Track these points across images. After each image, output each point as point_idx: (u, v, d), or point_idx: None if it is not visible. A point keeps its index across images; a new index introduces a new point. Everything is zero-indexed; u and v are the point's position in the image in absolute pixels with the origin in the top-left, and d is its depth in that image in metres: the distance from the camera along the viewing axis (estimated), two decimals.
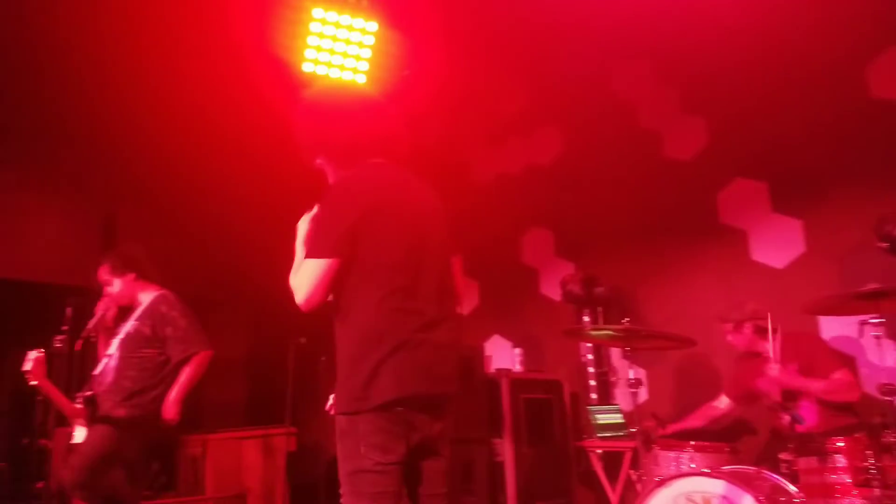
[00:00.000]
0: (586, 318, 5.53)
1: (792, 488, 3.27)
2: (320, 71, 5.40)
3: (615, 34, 5.64)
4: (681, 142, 5.42)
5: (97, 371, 4.05)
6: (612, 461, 4.82)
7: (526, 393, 5.12)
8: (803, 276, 4.66)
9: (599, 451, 4.86)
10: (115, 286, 4.16)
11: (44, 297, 5.88)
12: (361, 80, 5.52)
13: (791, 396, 3.85)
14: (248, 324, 7.38)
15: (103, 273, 4.19)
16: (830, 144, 4.65)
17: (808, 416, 3.76)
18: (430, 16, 5.58)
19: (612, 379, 5.53)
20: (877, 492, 3.00)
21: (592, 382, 5.52)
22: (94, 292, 4.36)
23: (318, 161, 2.65)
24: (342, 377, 2.34)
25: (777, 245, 4.83)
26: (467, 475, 4.86)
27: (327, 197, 2.51)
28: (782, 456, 3.35)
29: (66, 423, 4.29)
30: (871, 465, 3.03)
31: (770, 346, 3.76)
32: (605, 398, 5.47)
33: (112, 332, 4.13)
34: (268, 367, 6.74)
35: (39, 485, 4.40)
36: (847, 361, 4.21)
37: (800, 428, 3.43)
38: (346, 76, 5.48)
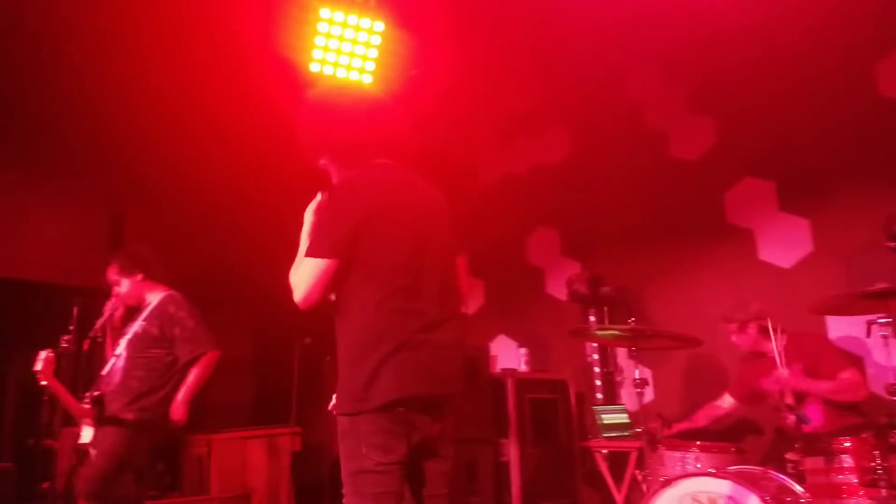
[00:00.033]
0: (592, 318, 5.53)
1: (798, 488, 3.25)
2: (327, 71, 5.40)
3: (622, 34, 5.63)
4: (688, 141, 5.41)
5: (105, 371, 4.05)
6: (618, 461, 4.81)
7: (531, 393, 5.11)
8: (811, 276, 4.63)
9: (605, 451, 4.85)
10: (124, 286, 4.17)
11: (50, 298, 5.91)
12: (368, 80, 5.51)
13: (797, 397, 3.83)
14: (253, 324, 7.39)
15: (112, 273, 4.20)
16: (838, 143, 4.63)
17: (814, 416, 3.74)
18: (437, 16, 5.57)
19: (618, 379, 5.52)
20: (884, 492, 2.98)
21: (598, 382, 5.51)
22: (101, 292, 4.36)
23: (322, 161, 2.65)
24: (343, 378, 2.34)
25: (784, 244, 4.81)
26: (472, 475, 4.86)
27: (331, 196, 2.51)
28: (788, 456, 3.34)
29: (72, 423, 4.29)
30: (878, 465, 3.01)
31: (774, 347, 3.73)
32: (611, 398, 5.47)
33: (120, 333, 4.13)
34: (273, 367, 6.75)
35: (45, 485, 4.41)
36: (854, 361, 4.19)
37: (806, 428, 3.42)
38: (353, 76, 5.48)
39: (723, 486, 3.25)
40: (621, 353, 5.51)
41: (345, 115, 2.61)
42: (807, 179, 4.76)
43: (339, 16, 5.27)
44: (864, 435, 3.19)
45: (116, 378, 3.95)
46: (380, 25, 5.39)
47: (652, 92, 5.70)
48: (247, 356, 7.34)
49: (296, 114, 2.67)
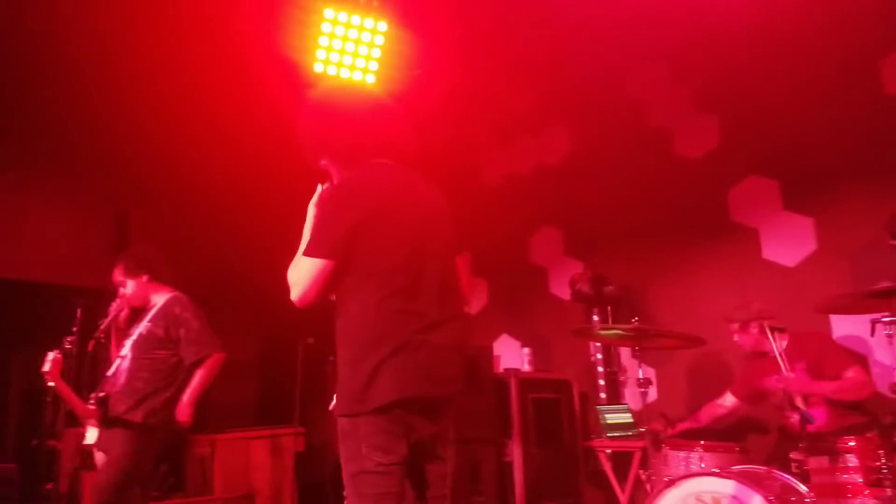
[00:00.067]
0: (595, 318, 5.52)
1: (803, 488, 3.24)
2: (330, 71, 5.40)
3: (625, 33, 5.61)
4: (692, 140, 5.40)
5: (110, 372, 4.05)
6: (622, 461, 4.80)
7: (535, 393, 5.11)
8: (815, 275, 4.63)
9: (608, 450, 4.84)
10: (129, 287, 4.16)
11: (53, 298, 5.91)
12: (371, 80, 5.51)
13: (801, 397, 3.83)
14: (256, 324, 7.38)
15: (117, 274, 4.19)
16: (842, 142, 4.62)
17: (818, 416, 3.73)
18: (440, 16, 5.57)
19: (622, 378, 5.51)
20: (888, 492, 2.97)
21: (601, 382, 5.50)
22: (104, 293, 4.36)
23: (323, 162, 2.64)
24: (342, 379, 2.34)
25: (788, 243, 4.80)
26: (476, 475, 4.85)
27: (331, 196, 2.51)
28: (793, 455, 3.33)
29: (75, 424, 4.29)
30: (883, 464, 3.00)
31: (774, 349, 3.73)
32: (615, 398, 5.46)
33: (124, 334, 4.13)
34: (276, 367, 6.75)
35: (49, 486, 4.40)
36: (859, 359, 4.18)
37: (810, 427, 3.41)
38: (356, 76, 5.48)
39: (727, 486, 3.25)
40: (625, 353, 5.50)
41: (345, 115, 2.60)
42: (811, 178, 4.75)
43: (342, 16, 5.27)
44: (868, 434, 3.18)
45: (122, 379, 3.95)
46: (383, 26, 5.39)
47: (655, 90, 5.69)
48: (250, 356, 7.34)
49: (296, 114, 2.67)
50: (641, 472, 4.11)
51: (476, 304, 6.57)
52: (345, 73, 5.45)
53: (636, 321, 4.08)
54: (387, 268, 2.35)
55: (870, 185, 4.46)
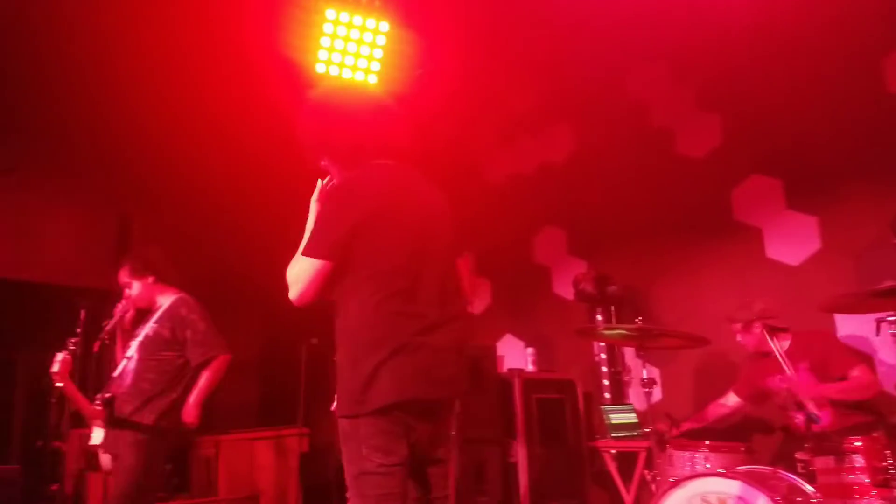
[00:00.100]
0: (599, 318, 5.51)
1: (809, 488, 3.23)
2: (332, 72, 5.40)
3: (628, 32, 5.61)
4: (695, 139, 5.39)
5: (116, 373, 4.05)
6: (626, 461, 4.79)
7: (538, 393, 5.10)
8: (819, 274, 4.61)
9: (613, 451, 4.83)
10: (135, 289, 4.17)
11: (57, 299, 5.92)
12: (373, 80, 5.51)
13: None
14: (260, 324, 7.39)
15: (123, 275, 4.19)
16: (846, 140, 4.61)
17: (822, 415, 3.71)
18: (442, 16, 5.57)
19: (626, 378, 5.50)
20: None
21: (606, 382, 5.48)
22: (108, 294, 4.36)
23: (323, 163, 2.64)
24: (341, 379, 2.34)
25: (792, 242, 4.79)
26: (480, 475, 4.85)
27: (331, 196, 2.51)
28: (799, 455, 3.31)
29: (80, 425, 4.29)
30: (890, 464, 2.99)
31: (776, 350, 3.72)
32: (619, 398, 5.44)
33: (130, 335, 4.13)
34: (280, 367, 6.76)
35: (54, 487, 4.41)
36: (864, 358, 4.17)
37: (815, 427, 3.40)
38: (359, 77, 5.48)
39: (732, 487, 3.23)
40: (629, 353, 5.49)
41: (345, 115, 2.60)
42: (814, 176, 4.74)
43: (344, 16, 5.26)
44: (875, 434, 3.17)
45: (128, 380, 3.95)
46: (385, 26, 5.39)
47: (658, 90, 5.68)
48: (254, 357, 7.34)
49: (296, 114, 2.67)
50: (646, 472, 4.10)
51: (479, 304, 6.57)
52: (346, 74, 5.45)
53: (640, 321, 4.06)
54: (386, 269, 2.35)
55: (873, 183, 4.44)
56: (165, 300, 4.14)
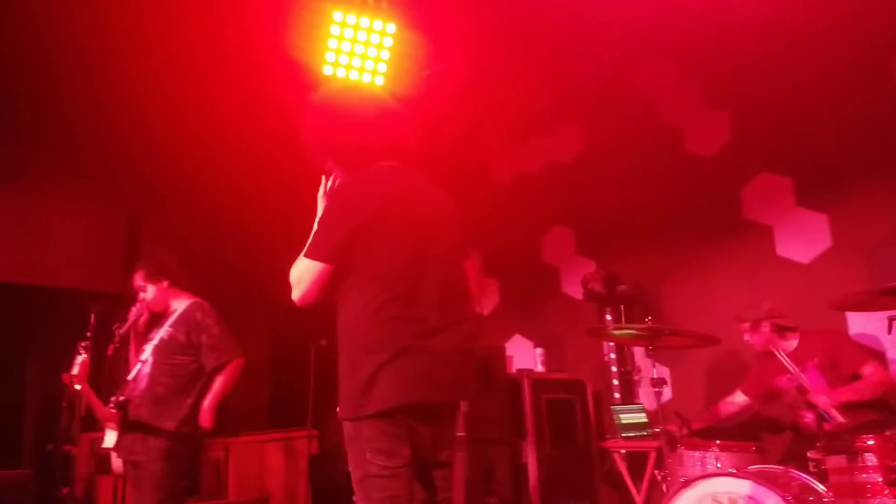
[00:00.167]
0: (608, 317, 5.49)
1: (821, 488, 3.20)
2: (340, 74, 5.40)
3: (637, 31, 5.60)
4: (704, 137, 5.36)
5: (130, 376, 4.06)
6: (637, 461, 4.77)
7: (548, 393, 5.08)
8: (830, 271, 4.58)
9: (623, 451, 4.82)
10: (149, 292, 4.17)
11: (68, 303, 5.94)
12: (381, 82, 5.51)
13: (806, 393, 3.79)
14: (268, 326, 7.40)
15: (138, 279, 4.21)
16: (855, 137, 4.58)
17: (834, 416, 3.69)
18: (448, 16, 5.57)
19: (636, 378, 5.48)
20: None
21: (615, 382, 5.47)
22: (119, 298, 4.38)
23: (328, 165, 2.64)
24: (342, 381, 2.35)
25: (802, 240, 4.76)
26: (489, 476, 4.84)
27: (334, 198, 2.51)
28: (811, 454, 3.28)
29: (91, 428, 4.30)
30: None
31: (783, 358, 3.71)
32: (629, 397, 5.42)
33: (144, 338, 4.14)
34: (289, 369, 6.75)
35: (64, 490, 4.43)
36: (875, 355, 4.14)
37: (826, 426, 3.37)
38: (366, 78, 5.48)
39: (743, 487, 3.21)
40: (638, 352, 5.47)
41: (350, 117, 2.59)
42: (824, 173, 4.71)
43: (351, 18, 5.27)
44: (887, 433, 3.13)
45: (142, 384, 3.96)
46: (392, 27, 5.39)
47: (666, 88, 5.66)
48: (263, 359, 7.35)
49: (300, 116, 2.66)
50: (657, 472, 4.08)
51: (488, 304, 6.56)
52: (353, 76, 5.45)
53: (649, 320, 4.04)
54: (387, 273, 2.35)
55: (883, 180, 4.41)
56: (180, 304, 4.15)
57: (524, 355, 5.99)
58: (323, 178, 2.65)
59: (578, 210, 6.11)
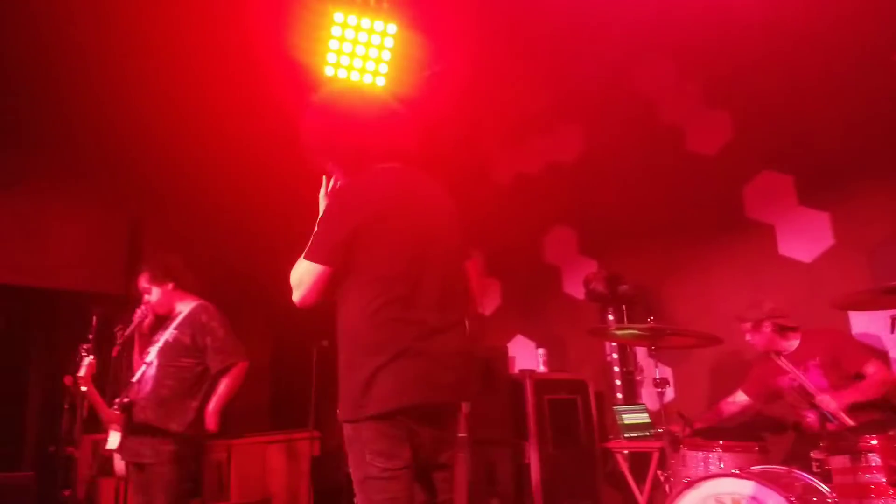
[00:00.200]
0: (610, 317, 5.48)
1: (824, 488, 3.19)
2: (341, 75, 5.40)
3: (637, 30, 5.59)
4: (705, 136, 5.36)
5: (135, 378, 4.06)
6: (640, 462, 4.76)
7: (550, 393, 5.07)
8: (832, 270, 4.58)
9: (626, 451, 4.81)
10: (154, 295, 4.17)
11: (69, 305, 5.94)
12: (382, 83, 5.50)
13: (809, 395, 3.78)
14: (270, 327, 7.39)
15: (142, 281, 4.20)
16: (857, 135, 4.57)
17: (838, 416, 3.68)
18: (449, 17, 5.56)
19: (638, 378, 5.47)
20: None
21: (618, 382, 5.46)
22: (121, 300, 4.37)
23: (328, 166, 2.63)
24: (343, 384, 2.35)
25: (804, 239, 4.75)
26: (492, 477, 4.83)
27: (334, 199, 2.51)
28: (814, 455, 3.28)
29: (92, 430, 4.29)
30: None
31: (780, 362, 3.70)
32: (631, 398, 5.42)
33: (148, 341, 4.14)
34: (291, 370, 6.75)
35: (66, 492, 4.42)
36: (878, 354, 4.13)
37: (829, 426, 3.36)
38: (367, 79, 5.47)
39: (746, 487, 3.20)
40: (641, 352, 5.46)
41: (350, 119, 2.59)
42: (826, 172, 4.70)
43: (352, 19, 5.26)
44: (891, 432, 3.12)
45: (147, 386, 3.95)
46: (392, 28, 5.38)
47: (667, 87, 5.65)
48: (264, 360, 7.34)
49: (300, 117, 2.66)
50: (660, 472, 4.07)
51: (490, 304, 6.55)
52: (354, 77, 5.45)
53: (652, 320, 4.04)
54: (386, 276, 2.34)
55: (886, 178, 4.41)
56: (185, 307, 4.15)
57: (526, 356, 5.98)
58: (323, 179, 2.64)
59: (580, 210, 6.11)
